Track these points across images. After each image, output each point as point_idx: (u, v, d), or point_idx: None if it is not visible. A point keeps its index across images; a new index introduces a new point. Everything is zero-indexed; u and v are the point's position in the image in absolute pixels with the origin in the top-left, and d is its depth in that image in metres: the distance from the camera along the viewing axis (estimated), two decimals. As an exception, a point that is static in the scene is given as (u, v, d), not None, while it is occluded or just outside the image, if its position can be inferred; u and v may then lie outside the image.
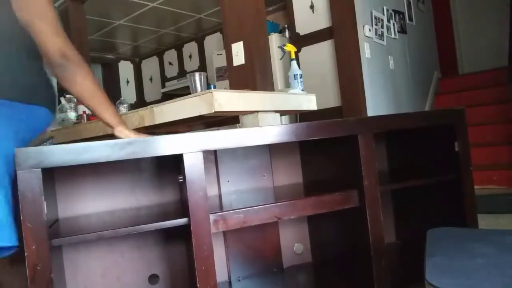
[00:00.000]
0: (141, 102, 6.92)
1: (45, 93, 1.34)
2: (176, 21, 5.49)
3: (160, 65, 6.84)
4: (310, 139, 1.22)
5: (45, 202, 0.93)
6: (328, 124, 1.24)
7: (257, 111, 1.99)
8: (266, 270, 1.50)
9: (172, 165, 1.33)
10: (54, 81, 1.33)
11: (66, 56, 1.16)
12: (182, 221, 1.07)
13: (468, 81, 4.89)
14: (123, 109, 2.73)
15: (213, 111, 1.80)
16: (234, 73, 2.61)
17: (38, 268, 0.91)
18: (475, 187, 1.46)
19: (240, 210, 1.13)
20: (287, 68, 3.00)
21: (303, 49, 3.81)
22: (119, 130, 1.24)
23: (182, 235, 1.28)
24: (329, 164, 1.46)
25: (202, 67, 6.16)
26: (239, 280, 1.46)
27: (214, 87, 2.81)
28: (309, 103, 2.35)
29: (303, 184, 1.59)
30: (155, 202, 1.36)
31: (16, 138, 1.09)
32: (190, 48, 6.36)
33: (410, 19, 4.60)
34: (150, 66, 6.99)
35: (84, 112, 2.96)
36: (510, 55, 4.03)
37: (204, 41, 6.16)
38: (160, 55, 6.80)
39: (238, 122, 2.26)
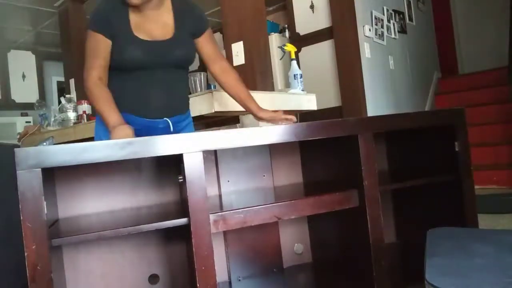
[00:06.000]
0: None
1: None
2: (176, 21, 5.47)
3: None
4: (310, 139, 1.22)
5: (45, 202, 0.93)
6: (328, 124, 1.24)
7: (257, 111, 1.99)
8: (266, 270, 1.50)
9: (172, 165, 1.33)
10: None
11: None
12: (182, 221, 1.07)
13: (468, 81, 4.89)
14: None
15: (213, 111, 1.80)
16: (234, 73, 2.60)
17: (38, 268, 0.91)
18: (475, 187, 1.46)
19: (240, 210, 1.13)
20: (287, 68, 3.00)
21: (303, 49, 3.80)
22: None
23: (182, 235, 1.28)
24: (329, 164, 1.46)
25: (202, 67, 6.14)
26: (239, 280, 1.46)
27: (214, 87, 2.81)
28: (309, 103, 2.35)
29: (303, 184, 1.59)
30: (155, 202, 1.36)
31: None
32: (190, 48, 6.35)
33: (410, 19, 4.60)
34: (150, 66, 6.97)
35: (84, 112, 2.96)
36: (510, 55, 4.03)
37: (204, 41, 6.15)
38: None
39: (238, 122, 2.26)
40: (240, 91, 1.62)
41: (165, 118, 1.55)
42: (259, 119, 1.61)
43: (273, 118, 1.56)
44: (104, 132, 1.55)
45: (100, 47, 1.48)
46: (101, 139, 1.55)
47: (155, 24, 1.52)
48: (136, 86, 1.52)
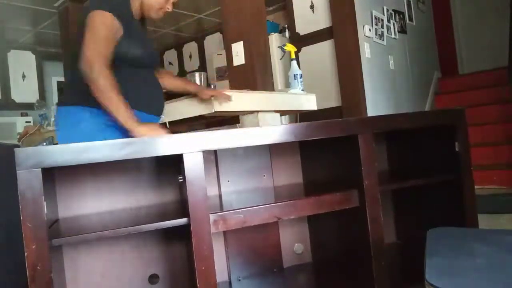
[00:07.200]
0: (141, 102, 6.92)
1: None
2: (176, 21, 5.49)
3: (160, 65, 6.83)
4: (310, 139, 1.22)
5: (45, 202, 0.93)
6: (328, 124, 1.24)
7: (257, 111, 1.99)
8: (266, 270, 1.50)
9: (172, 165, 1.33)
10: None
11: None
12: (182, 221, 1.07)
13: (468, 81, 4.89)
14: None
15: (213, 111, 1.80)
16: (234, 73, 2.61)
17: (38, 268, 0.91)
18: (475, 187, 1.45)
19: (240, 210, 1.13)
20: (287, 68, 3.00)
21: (303, 49, 3.80)
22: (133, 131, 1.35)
23: (182, 235, 1.28)
24: (329, 164, 1.46)
25: (202, 67, 6.15)
26: (239, 280, 1.46)
27: (215, 87, 2.80)
28: (309, 103, 2.35)
29: (303, 184, 1.58)
30: (155, 202, 1.36)
31: None
32: (190, 48, 6.35)
33: (410, 19, 4.59)
34: (150, 66, 6.98)
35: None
36: (510, 55, 4.02)
37: (204, 41, 6.15)
38: (160, 55, 6.80)
39: (238, 122, 2.26)
40: (175, 80, 1.79)
41: (162, 116, 1.66)
42: (202, 97, 1.73)
43: (214, 95, 1.71)
44: (97, 128, 1.44)
45: (112, 34, 1.39)
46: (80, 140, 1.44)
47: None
48: (141, 83, 1.55)
